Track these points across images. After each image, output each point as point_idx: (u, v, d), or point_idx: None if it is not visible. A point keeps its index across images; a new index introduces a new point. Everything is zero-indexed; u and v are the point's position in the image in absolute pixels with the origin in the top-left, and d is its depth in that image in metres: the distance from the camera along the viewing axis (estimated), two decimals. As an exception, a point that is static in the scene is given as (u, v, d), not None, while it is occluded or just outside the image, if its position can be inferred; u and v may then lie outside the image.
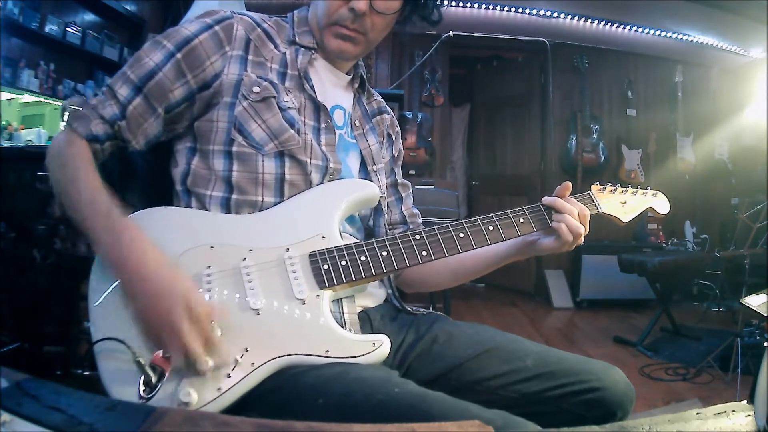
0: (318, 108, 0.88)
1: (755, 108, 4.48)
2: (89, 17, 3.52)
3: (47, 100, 3.10)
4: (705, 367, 2.58)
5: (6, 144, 2.66)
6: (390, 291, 0.96)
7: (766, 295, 1.57)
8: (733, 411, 0.58)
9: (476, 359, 0.83)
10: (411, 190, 1.08)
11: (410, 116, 4.26)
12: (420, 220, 1.06)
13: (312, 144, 0.84)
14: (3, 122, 2.81)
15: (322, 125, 0.88)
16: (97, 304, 0.74)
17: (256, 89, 0.82)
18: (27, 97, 3.01)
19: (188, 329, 0.65)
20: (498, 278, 4.76)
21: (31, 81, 3.00)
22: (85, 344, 1.73)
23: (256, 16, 0.90)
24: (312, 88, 0.88)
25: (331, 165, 0.86)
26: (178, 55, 0.81)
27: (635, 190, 1.01)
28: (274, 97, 0.83)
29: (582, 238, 0.89)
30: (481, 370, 0.82)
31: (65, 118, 0.82)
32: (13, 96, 2.94)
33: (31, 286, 1.94)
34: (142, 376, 0.67)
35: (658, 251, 3.91)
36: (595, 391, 0.79)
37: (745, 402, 0.60)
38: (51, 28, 3.07)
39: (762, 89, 4.31)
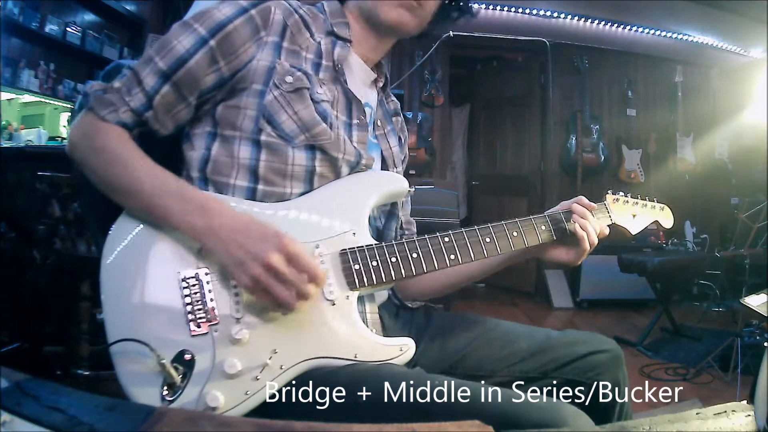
0: (351, 103, 0.85)
1: (755, 108, 4.47)
2: (89, 17, 3.52)
3: (47, 100, 3.10)
4: (705, 367, 2.57)
5: (6, 144, 2.67)
6: (390, 291, 0.96)
7: (766, 295, 1.57)
8: (733, 411, 0.58)
9: (475, 349, 0.86)
10: (410, 197, 1.05)
11: (410, 116, 4.26)
12: (414, 229, 1.04)
13: (344, 140, 0.81)
14: (3, 122, 2.81)
15: (354, 121, 0.85)
16: (109, 261, 0.72)
17: (289, 79, 0.78)
18: (27, 97, 3.02)
19: (287, 269, 0.67)
20: (498, 278, 4.75)
21: (31, 81, 3.00)
22: (85, 344, 1.73)
23: (293, 1, 0.86)
24: (345, 82, 0.85)
25: (363, 161, 0.83)
26: (212, 42, 0.76)
27: (645, 202, 1.03)
28: (308, 88, 0.79)
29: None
30: (485, 359, 0.86)
31: (89, 101, 0.76)
32: (13, 96, 2.94)
33: (31, 286, 1.94)
34: (165, 378, 0.65)
35: (658, 251, 3.91)
36: (584, 357, 0.84)
37: (745, 402, 0.60)
38: (51, 28, 3.07)
39: (762, 89, 4.30)
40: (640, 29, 4.33)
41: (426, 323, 0.91)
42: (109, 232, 0.75)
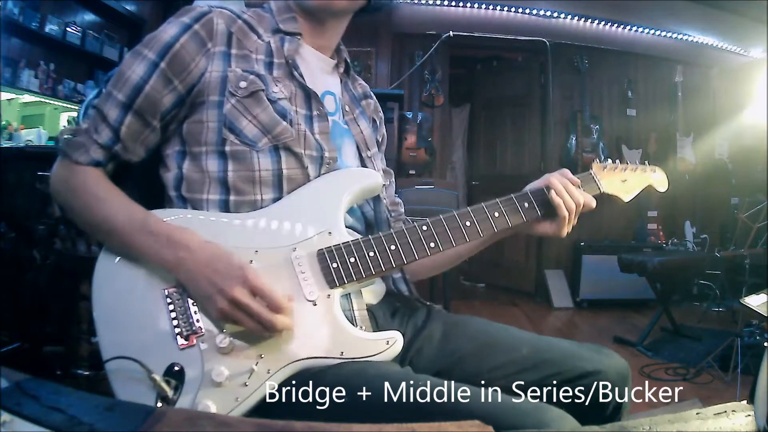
0: (309, 95, 0.85)
1: (755, 108, 4.46)
2: (89, 17, 3.52)
3: (47, 100, 3.10)
4: (705, 367, 2.58)
5: (6, 144, 2.67)
6: (396, 279, 0.94)
7: (766, 295, 1.57)
8: (733, 411, 0.58)
9: (477, 353, 0.84)
10: (393, 178, 1.06)
11: (410, 116, 4.25)
12: (402, 209, 1.04)
13: (306, 134, 0.82)
14: (3, 122, 2.81)
15: (315, 113, 0.85)
16: (100, 282, 0.73)
17: (243, 84, 0.80)
18: (27, 97, 3.02)
19: (252, 303, 0.69)
20: (498, 278, 4.76)
21: (31, 81, 3.00)
22: (85, 344, 1.73)
23: (234, 7, 0.87)
24: (301, 75, 0.86)
25: (327, 154, 0.84)
26: (162, 64, 0.78)
27: (635, 166, 1.00)
28: (263, 90, 0.81)
29: (573, 218, 0.90)
30: (484, 363, 0.83)
31: (61, 146, 0.81)
32: (13, 96, 2.94)
33: (31, 286, 1.94)
34: (158, 392, 0.67)
35: (658, 251, 3.91)
36: (589, 376, 0.80)
37: (745, 402, 0.60)
38: (51, 28, 3.07)
39: (762, 89, 4.30)
40: (640, 29, 4.33)
41: (424, 322, 0.90)
42: (99, 256, 0.77)
